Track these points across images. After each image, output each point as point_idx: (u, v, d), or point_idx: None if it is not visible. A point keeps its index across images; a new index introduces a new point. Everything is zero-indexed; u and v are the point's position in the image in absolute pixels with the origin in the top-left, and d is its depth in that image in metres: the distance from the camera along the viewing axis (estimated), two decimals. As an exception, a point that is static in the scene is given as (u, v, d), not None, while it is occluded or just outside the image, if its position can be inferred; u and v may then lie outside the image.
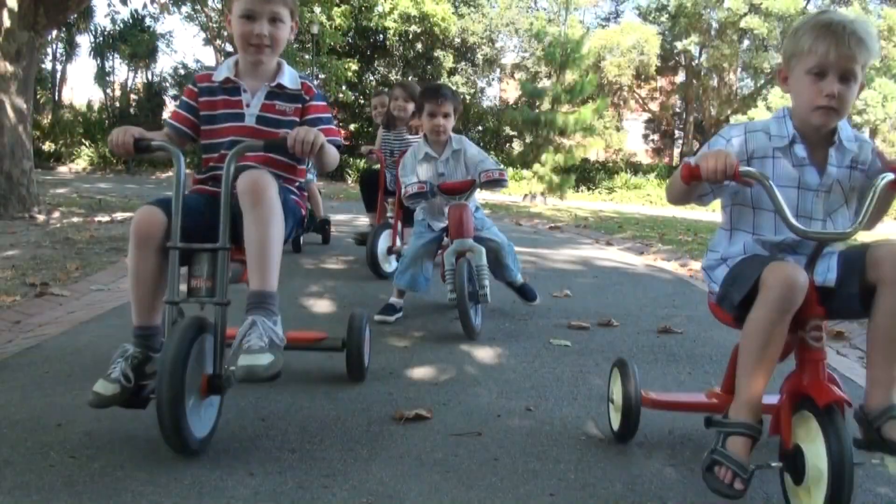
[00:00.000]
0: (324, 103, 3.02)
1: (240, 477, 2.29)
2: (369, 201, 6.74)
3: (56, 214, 9.31)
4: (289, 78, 2.95)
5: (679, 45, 36.03)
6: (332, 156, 2.88)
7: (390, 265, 5.94)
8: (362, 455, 2.50)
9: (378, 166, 6.62)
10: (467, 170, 4.62)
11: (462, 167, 4.63)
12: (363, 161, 27.69)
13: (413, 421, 2.84)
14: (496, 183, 4.40)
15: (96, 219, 9.28)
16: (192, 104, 2.98)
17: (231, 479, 2.27)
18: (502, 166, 4.67)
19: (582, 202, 25.08)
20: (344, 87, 30.86)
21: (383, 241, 6.02)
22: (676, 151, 42.17)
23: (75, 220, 9.03)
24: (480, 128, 36.59)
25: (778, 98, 31.72)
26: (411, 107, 5.93)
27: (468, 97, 34.07)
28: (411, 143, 5.66)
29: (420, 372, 3.52)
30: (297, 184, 3.04)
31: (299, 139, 2.60)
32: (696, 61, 37.64)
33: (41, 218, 8.73)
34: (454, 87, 32.46)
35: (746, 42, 35.94)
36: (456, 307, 4.16)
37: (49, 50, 33.19)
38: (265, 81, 2.92)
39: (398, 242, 6.03)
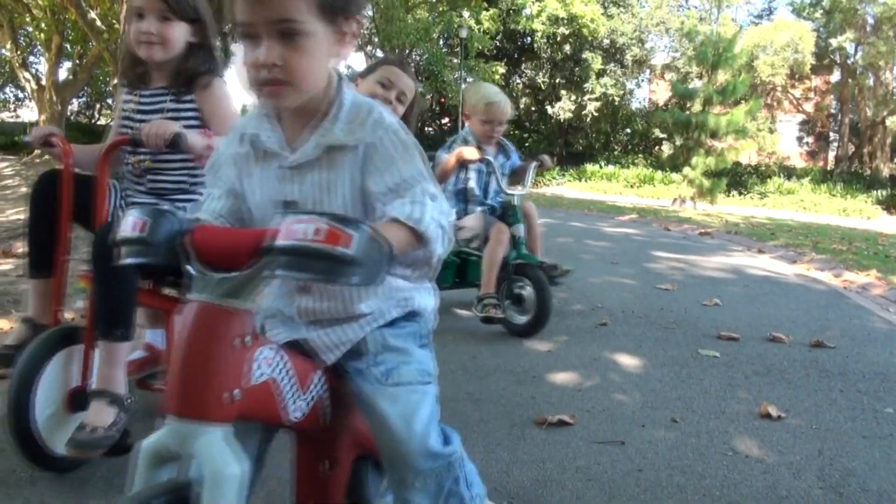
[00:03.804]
0: None
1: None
2: (39, 249, 2.53)
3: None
4: None
5: (834, 42, 34.33)
6: None
7: (67, 429, 2.26)
8: (504, 458, 2.51)
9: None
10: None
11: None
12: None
13: (555, 426, 2.83)
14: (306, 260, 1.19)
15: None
16: None
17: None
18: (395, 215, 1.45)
19: (733, 207, 24.27)
20: (491, 90, 31.03)
21: (53, 383, 2.31)
22: (831, 155, 40.21)
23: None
24: (629, 130, 36.08)
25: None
26: (179, 33, 2.54)
27: (617, 99, 33.64)
28: (183, 117, 2.54)
29: (563, 376, 3.50)
30: None
31: None
32: (852, 59, 35.77)
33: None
34: (603, 89, 32.17)
35: (903, 38, 33.82)
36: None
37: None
38: None
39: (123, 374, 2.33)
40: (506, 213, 4.43)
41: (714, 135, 21.94)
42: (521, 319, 4.26)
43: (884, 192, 30.71)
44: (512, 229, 4.31)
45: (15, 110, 40.27)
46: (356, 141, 1.53)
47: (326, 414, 1.64)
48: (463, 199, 4.57)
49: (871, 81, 35.36)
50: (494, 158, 4.42)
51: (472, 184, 4.55)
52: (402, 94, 2.95)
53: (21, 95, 38.50)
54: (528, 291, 4.23)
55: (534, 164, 4.63)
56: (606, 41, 33.54)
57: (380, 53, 33.72)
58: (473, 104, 4.50)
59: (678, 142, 23.80)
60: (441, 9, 29.78)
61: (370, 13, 30.87)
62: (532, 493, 2.25)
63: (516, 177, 4.64)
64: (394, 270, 1.62)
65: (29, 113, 37.31)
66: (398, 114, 2.67)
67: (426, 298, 1.72)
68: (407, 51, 31.62)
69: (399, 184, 1.50)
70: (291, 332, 1.62)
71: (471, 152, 4.20)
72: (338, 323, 1.62)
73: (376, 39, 31.79)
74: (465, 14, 29.65)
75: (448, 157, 4.27)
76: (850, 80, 36.05)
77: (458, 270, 4.74)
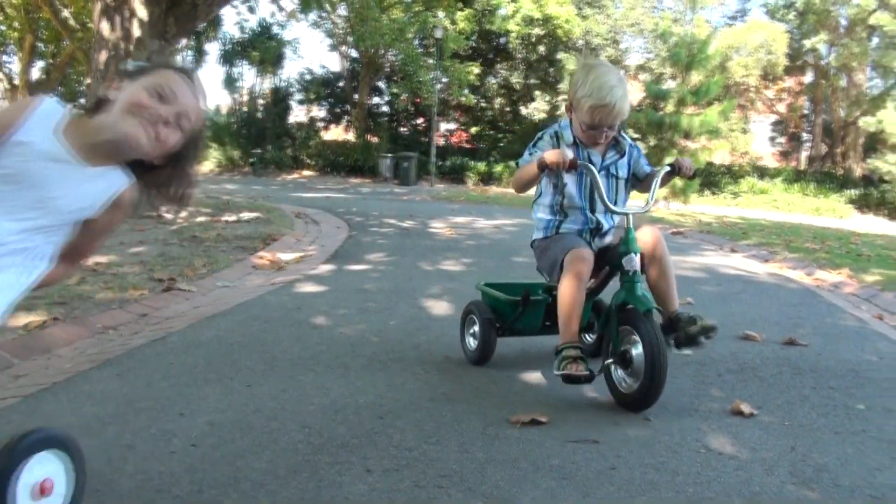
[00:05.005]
0: None
1: (357, 473, 2.32)
2: None
3: (183, 214, 9.66)
4: None
5: (807, 43, 34.63)
6: None
7: None
8: (478, 457, 2.50)
9: None
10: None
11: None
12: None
13: (529, 425, 2.82)
14: None
15: (223, 218, 9.61)
16: None
17: (349, 474, 2.31)
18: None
19: (706, 207, 24.43)
20: (466, 91, 31.04)
21: None
22: (804, 155, 40.56)
23: (202, 219, 9.37)
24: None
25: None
26: None
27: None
28: None
29: (537, 376, 3.49)
30: None
31: None
32: (825, 60, 36.10)
33: (169, 217, 9.04)
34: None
35: (876, 40, 34.14)
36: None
37: (179, 57, 34.49)
38: None
39: None
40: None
41: (687, 135, 22.06)
42: (630, 385, 3.07)
43: (856, 192, 31.02)
44: (624, 260, 3.13)
45: (-14, 110, 39.70)
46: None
47: None
48: (559, 210, 3.42)
49: (843, 82, 35.70)
50: (602, 158, 3.36)
51: (571, 188, 3.35)
52: (185, 115, 1.94)
53: (-7, 95, 38.11)
54: (637, 349, 3.05)
55: (662, 171, 3.41)
56: (581, 42, 33.66)
57: (354, 54, 33.66)
58: (577, 99, 3.22)
59: (652, 142, 23.88)
60: (416, 9, 29.76)
61: (344, 13, 30.87)
62: (506, 492, 2.24)
63: (643, 185, 3.50)
64: None
65: (0, 112, 36.87)
66: (171, 142, 1.93)
67: None
68: (382, 51, 31.56)
69: None
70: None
71: (553, 154, 3.08)
72: None
73: (350, 39, 31.71)
74: (441, 14, 29.63)
75: (529, 163, 3.25)
76: (823, 81, 36.38)
77: (549, 311, 3.61)
